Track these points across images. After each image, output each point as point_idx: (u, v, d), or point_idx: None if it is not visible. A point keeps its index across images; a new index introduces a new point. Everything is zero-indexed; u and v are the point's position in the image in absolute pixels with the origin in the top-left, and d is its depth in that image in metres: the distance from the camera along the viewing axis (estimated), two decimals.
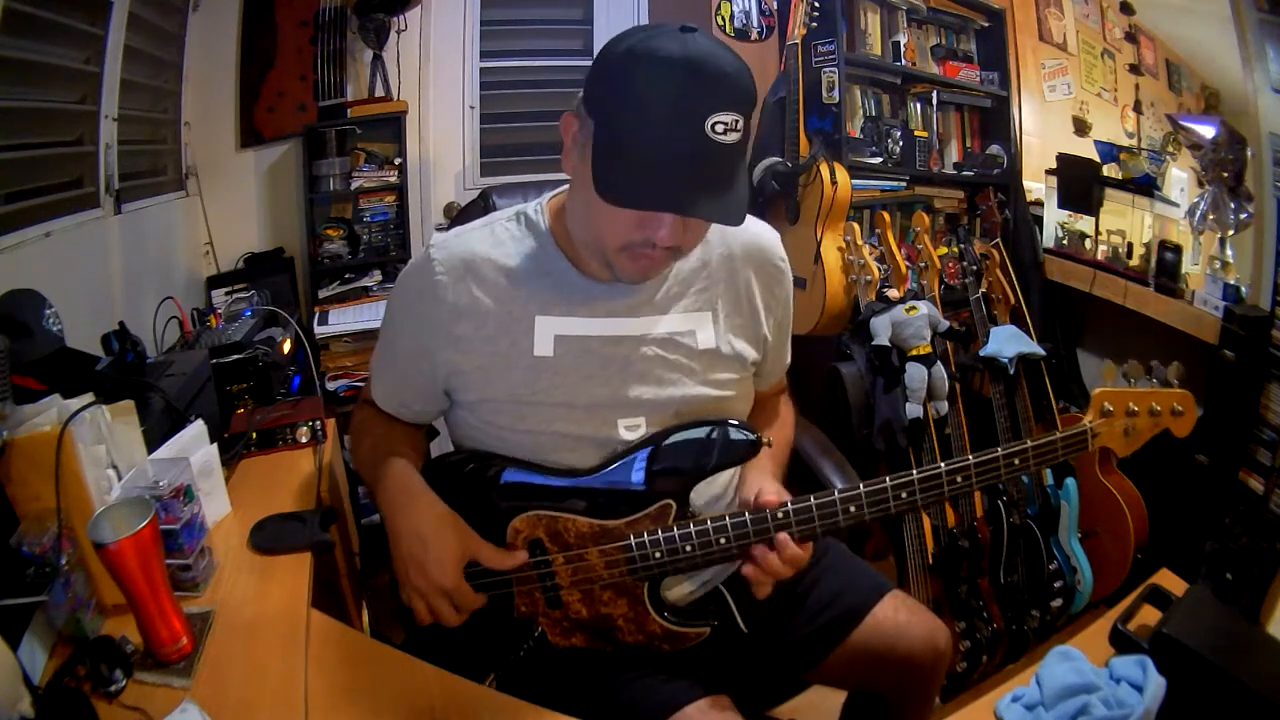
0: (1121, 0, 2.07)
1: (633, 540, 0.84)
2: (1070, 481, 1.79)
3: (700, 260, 0.91)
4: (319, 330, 2.25)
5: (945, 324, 1.80)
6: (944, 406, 1.80)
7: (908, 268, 1.96)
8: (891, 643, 0.97)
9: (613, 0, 2.69)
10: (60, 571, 0.81)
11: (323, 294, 2.39)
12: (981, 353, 1.87)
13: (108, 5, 1.66)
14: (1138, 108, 2.10)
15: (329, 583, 1.20)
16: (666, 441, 0.85)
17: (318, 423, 1.32)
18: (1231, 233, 1.68)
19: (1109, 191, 2.09)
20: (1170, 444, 1.79)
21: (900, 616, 0.99)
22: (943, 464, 0.83)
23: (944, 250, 2.17)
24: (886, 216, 2.00)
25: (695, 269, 0.91)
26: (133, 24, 1.77)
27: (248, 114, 2.38)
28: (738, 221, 0.76)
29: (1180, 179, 1.93)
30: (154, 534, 0.80)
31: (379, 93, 2.44)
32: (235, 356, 1.48)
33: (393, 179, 2.44)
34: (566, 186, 0.89)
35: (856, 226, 1.99)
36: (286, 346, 1.77)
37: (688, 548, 0.83)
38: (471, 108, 2.64)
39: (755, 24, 2.69)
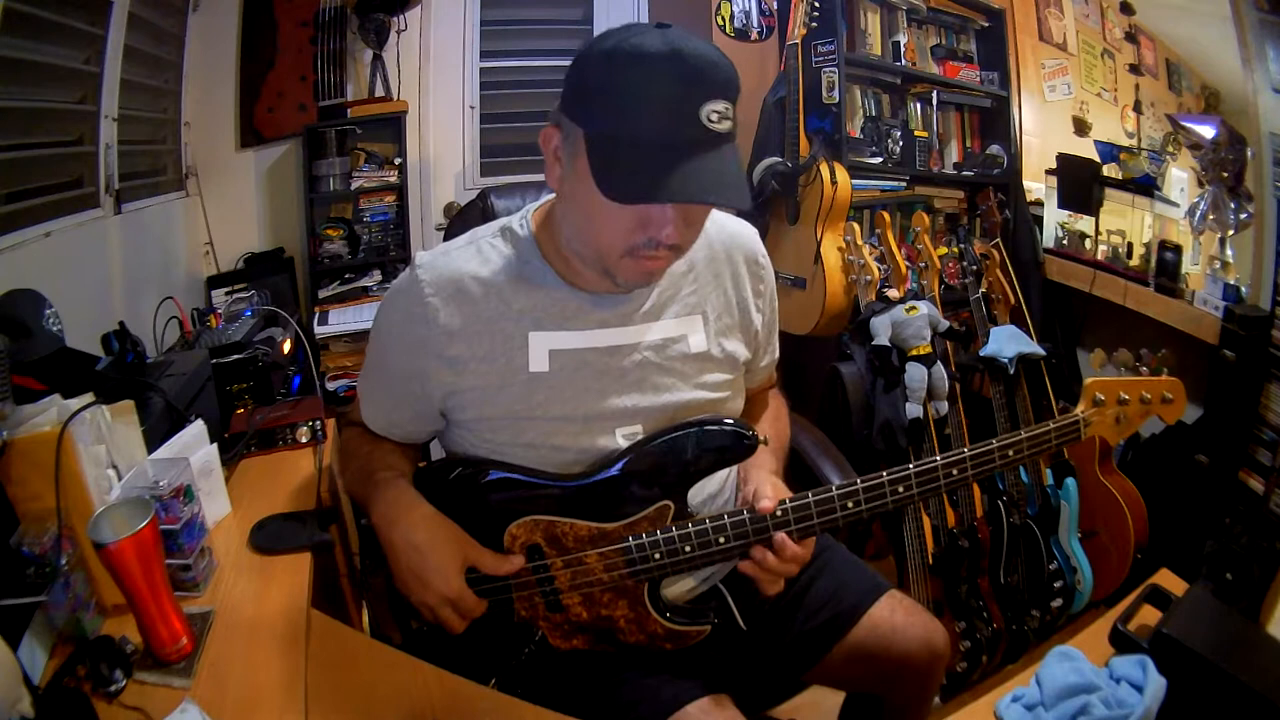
0: (1121, 0, 2.07)
1: (631, 542, 0.84)
2: (1070, 481, 1.79)
3: (686, 264, 0.91)
4: (319, 330, 2.26)
5: (945, 324, 1.80)
6: (944, 406, 1.80)
7: (908, 268, 1.96)
8: (888, 643, 0.97)
9: (613, 0, 2.69)
10: (60, 571, 0.81)
11: (323, 294, 2.39)
12: (981, 353, 1.87)
13: (108, 5, 1.66)
14: (1138, 108, 2.10)
15: (329, 583, 1.20)
16: (642, 458, 0.85)
17: (318, 423, 1.32)
18: (1231, 233, 1.68)
19: (1109, 191, 2.09)
20: (1170, 444, 1.79)
21: (897, 617, 0.99)
22: (938, 457, 0.84)
23: (944, 250, 2.17)
24: (886, 216, 2.00)
25: (683, 272, 0.91)
26: (133, 24, 1.77)
27: (248, 114, 2.38)
28: (747, 203, 0.75)
29: (1180, 179, 1.93)
30: (154, 534, 0.80)
31: (379, 93, 2.44)
32: (235, 356, 1.48)
33: (393, 179, 2.44)
34: (549, 198, 0.89)
35: (856, 226, 1.99)
36: (286, 346, 1.77)
37: (687, 548, 0.83)
38: (471, 108, 2.64)
39: (755, 24, 2.69)
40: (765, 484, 0.86)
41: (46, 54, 1.50)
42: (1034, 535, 1.77)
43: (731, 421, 0.86)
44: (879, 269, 1.92)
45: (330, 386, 2.26)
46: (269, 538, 1.02)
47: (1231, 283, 1.66)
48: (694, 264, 0.92)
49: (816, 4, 2.12)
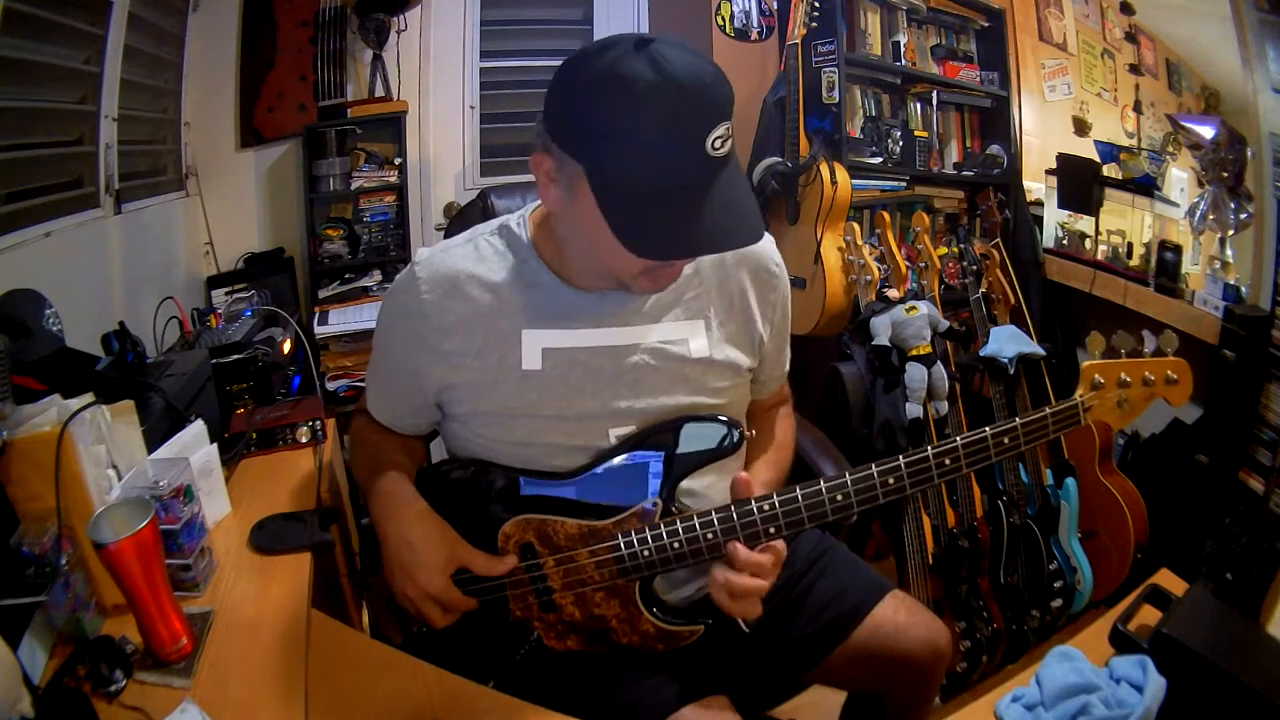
0: (1121, 0, 2.07)
1: (621, 540, 0.84)
2: (1070, 481, 1.79)
3: (692, 267, 0.90)
4: (319, 330, 2.25)
5: (945, 324, 1.80)
6: (944, 406, 1.80)
7: (908, 268, 1.96)
8: (891, 643, 0.97)
9: (613, 0, 2.69)
10: (60, 571, 0.81)
11: (323, 294, 2.39)
12: (981, 353, 1.87)
13: (108, 5, 1.66)
14: (1138, 108, 2.10)
15: (329, 583, 1.20)
16: (609, 463, 0.85)
17: (318, 423, 1.32)
18: (1231, 233, 1.68)
19: (1109, 191, 2.09)
20: (1170, 444, 1.79)
21: (900, 617, 0.99)
22: (929, 447, 0.81)
23: (944, 250, 2.17)
24: (886, 216, 2.00)
25: (688, 276, 0.90)
26: (133, 24, 1.77)
27: (248, 114, 2.38)
28: (761, 236, 0.76)
29: (1180, 179, 1.93)
30: (154, 534, 0.80)
31: (379, 93, 2.44)
32: (235, 356, 1.48)
33: (393, 179, 2.44)
34: None
35: (856, 226, 1.99)
36: (286, 346, 1.77)
37: (675, 545, 0.83)
38: (471, 108, 2.64)
39: (755, 24, 2.69)
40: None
41: (46, 54, 1.50)
42: (1034, 535, 1.77)
43: (722, 418, 0.86)
44: (879, 269, 1.92)
45: (330, 386, 2.26)
46: (269, 538, 1.02)
47: (1231, 283, 1.66)
48: (700, 269, 0.91)
49: (816, 4, 2.12)
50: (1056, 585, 1.78)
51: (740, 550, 0.79)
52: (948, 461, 0.81)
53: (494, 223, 0.92)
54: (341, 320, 2.31)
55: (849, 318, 2.02)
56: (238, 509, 1.11)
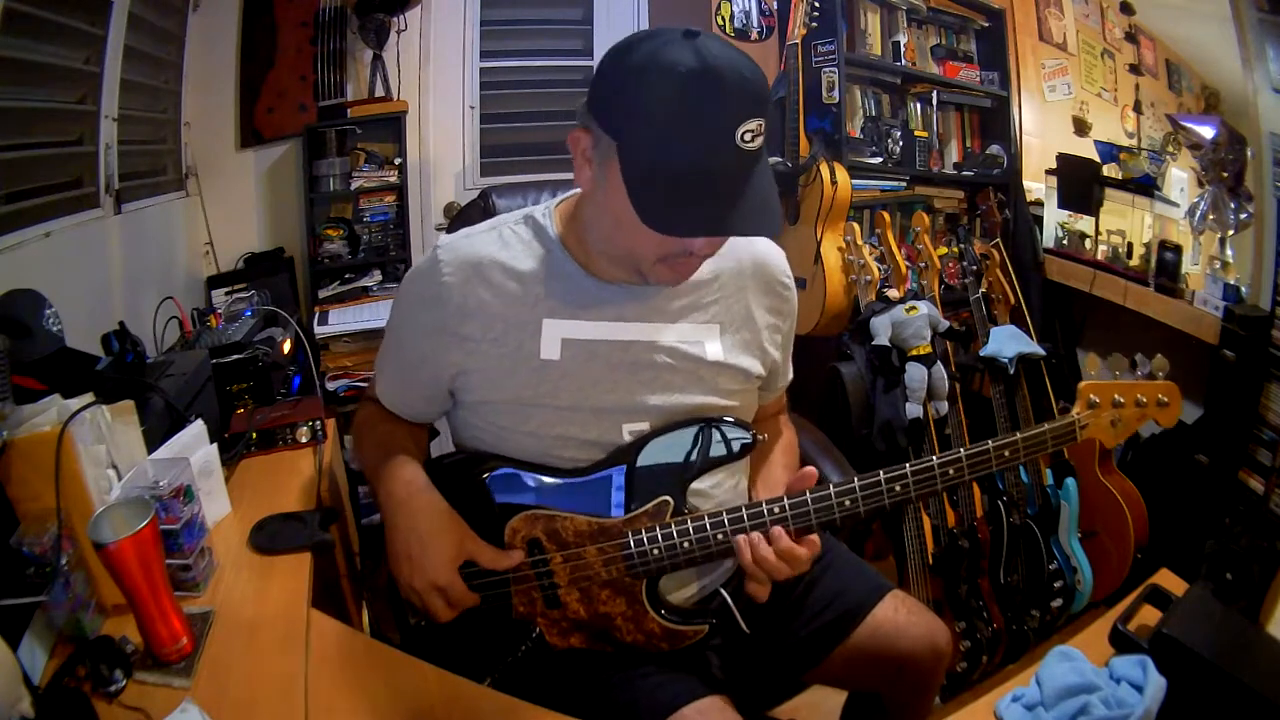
0: (1121, 0, 2.07)
1: (630, 538, 0.84)
2: (1070, 481, 1.79)
3: (712, 272, 0.91)
4: (319, 330, 2.25)
5: (945, 324, 1.80)
6: (944, 406, 1.80)
7: (908, 268, 1.96)
8: (891, 643, 0.97)
9: (613, 0, 2.69)
10: (60, 571, 0.81)
11: (323, 294, 2.39)
12: (981, 353, 1.87)
13: (108, 5, 1.66)
14: (1138, 108, 2.10)
15: (329, 583, 1.20)
16: (643, 454, 0.85)
17: (318, 423, 1.32)
18: (1231, 233, 1.68)
19: (1109, 191, 2.09)
20: (1170, 444, 1.79)
21: (900, 617, 0.99)
22: (935, 457, 0.84)
23: (944, 250, 2.17)
24: (886, 216, 2.00)
25: (707, 280, 0.91)
26: (133, 24, 1.77)
27: (248, 114, 2.38)
28: (778, 230, 0.77)
29: (1180, 179, 1.93)
30: (154, 534, 0.80)
31: (379, 93, 2.44)
32: (235, 356, 1.48)
33: (393, 179, 2.44)
34: (574, 192, 0.89)
35: (856, 226, 1.99)
36: (286, 346, 1.77)
37: (685, 544, 0.83)
38: (471, 108, 2.64)
39: (755, 24, 2.69)
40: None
41: (46, 54, 1.49)
42: (1034, 535, 1.77)
43: (732, 420, 0.87)
44: (879, 269, 1.92)
45: (330, 386, 2.26)
46: (269, 538, 1.02)
47: (1231, 283, 1.66)
48: (720, 274, 0.92)
49: (816, 4, 2.12)
50: (1056, 585, 1.78)
51: (784, 539, 0.81)
52: (951, 471, 0.84)
53: (519, 212, 0.92)
54: (341, 320, 2.31)
55: (849, 318, 2.02)
56: (238, 509, 1.11)
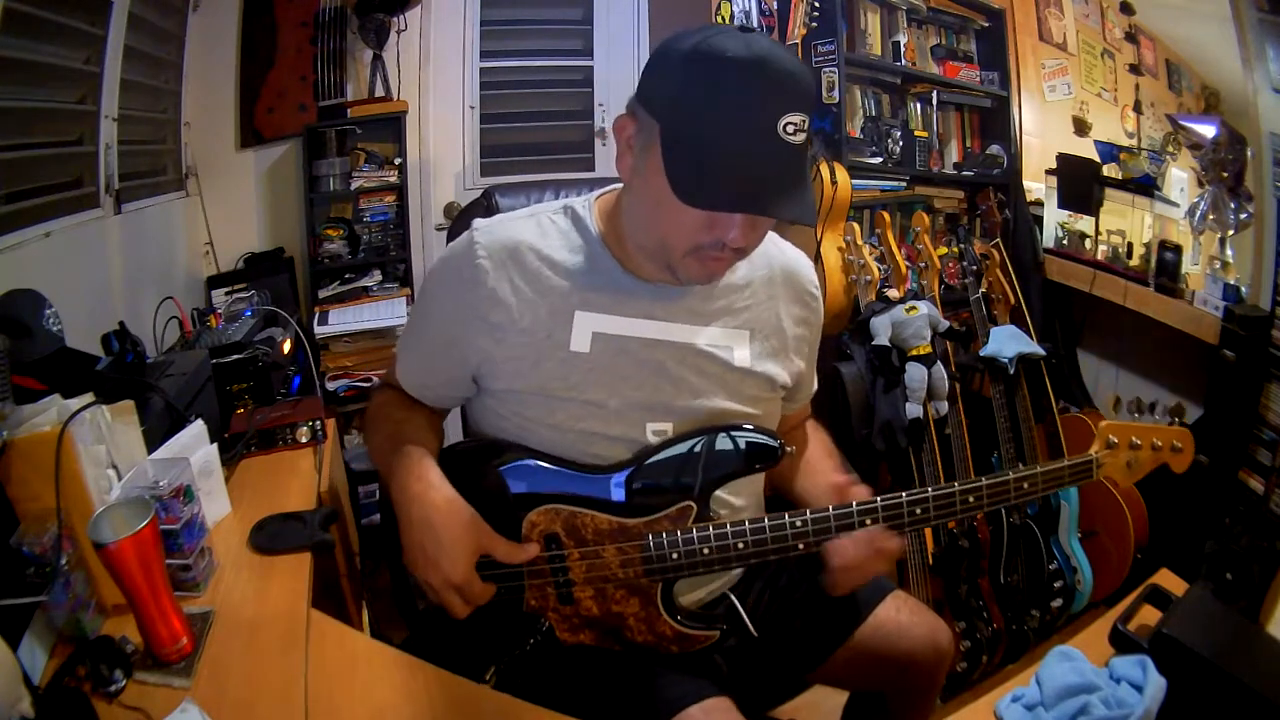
0: (1121, 0, 2.07)
1: (650, 540, 0.84)
2: None
3: (745, 278, 0.91)
4: (319, 330, 2.25)
5: (945, 324, 1.80)
6: (944, 406, 1.80)
7: (908, 268, 1.96)
8: (893, 643, 0.97)
9: (613, 0, 2.69)
10: (60, 571, 0.81)
11: (323, 294, 2.39)
12: (981, 353, 1.88)
13: (108, 5, 1.66)
14: (1138, 108, 2.10)
15: (329, 583, 1.20)
16: (666, 457, 0.85)
17: (318, 423, 1.32)
18: (1231, 233, 1.68)
19: (1109, 191, 2.09)
20: None
21: (902, 617, 0.99)
22: (956, 484, 0.85)
23: (944, 250, 2.17)
24: (886, 216, 2.00)
25: (739, 286, 0.91)
26: (133, 24, 1.77)
27: (248, 114, 2.38)
28: (812, 221, 0.77)
29: (1180, 179, 1.93)
30: (154, 534, 0.80)
31: (379, 93, 2.44)
32: (235, 356, 1.48)
33: (393, 179, 2.44)
34: (614, 187, 0.90)
35: (856, 226, 1.99)
36: (286, 346, 1.77)
37: (705, 550, 0.83)
38: (471, 108, 2.64)
39: (755, 24, 2.69)
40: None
41: (46, 54, 1.49)
42: (1034, 535, 1.77)
43: (761, 429, 0.87)
44: (879, 269, 1.92)
45: (330, 386, 2.26)
46: (269, 538, 1.02)
47: (1231, 283, 1.66)
48: (752, 281, 0.92)
49: (816, 4, 2.12)
50: (1056, 585, 1.78)
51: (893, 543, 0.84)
52: (971, 499, 0.85)
53: (558, 203, 0.92)
54: (341, 320, 2.31)
55: (849, 318, 2.02)
56: (238, 509, 1.11)
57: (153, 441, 1.04)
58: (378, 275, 2.42)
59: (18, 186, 1.42)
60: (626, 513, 0.85)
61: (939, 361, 1.78)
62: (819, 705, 1.18)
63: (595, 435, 0.86)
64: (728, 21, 2.66)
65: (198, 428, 1.11)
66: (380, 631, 1.35)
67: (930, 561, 1.71)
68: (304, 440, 1.30)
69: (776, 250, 0.95)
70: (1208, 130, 1.76)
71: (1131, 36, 2.08)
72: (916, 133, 2.39)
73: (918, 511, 0.83)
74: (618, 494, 0.85)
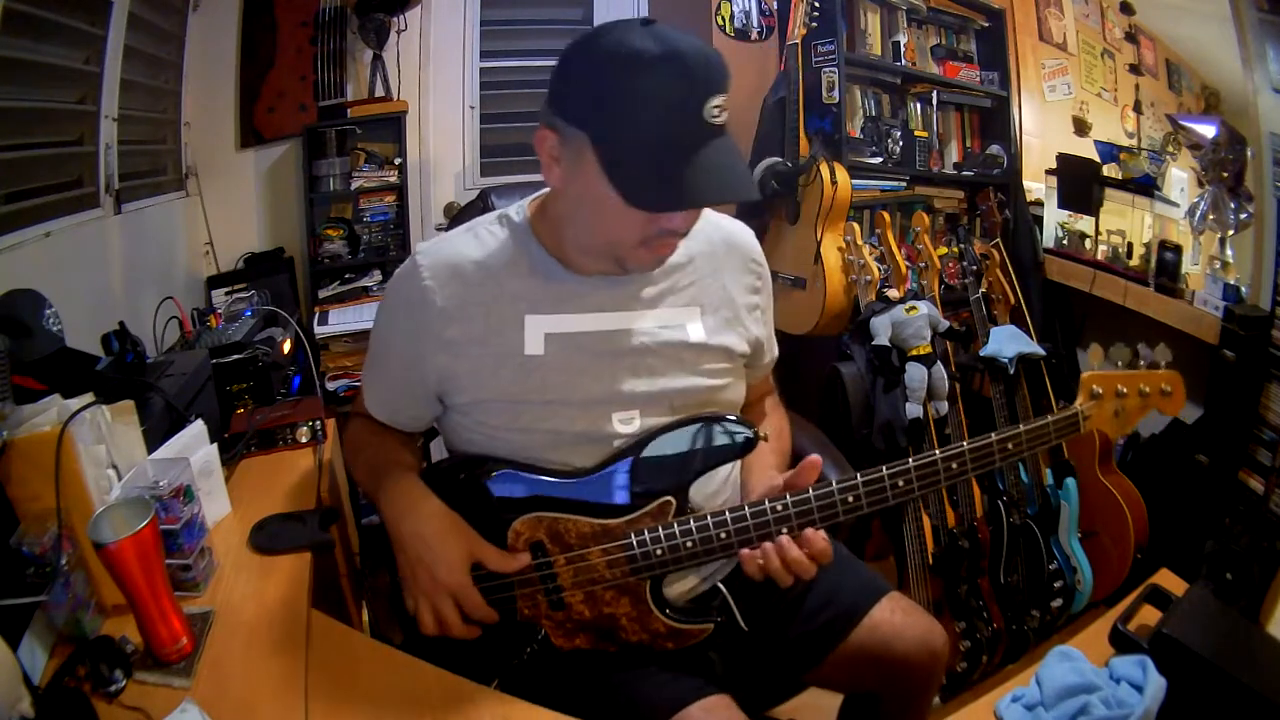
0: (1121, 0, 2.07)
1: (633, 539, 0.84)
2: (1070, 481, 1.79)
3: (685, 256, 0.92)
4: (319, 330, 2.25)
5: (945, 324, 1.80)
6: (944, 406, 1.80)
7: (908, 268, 1.96)
8: (888, 645, 0.97)
9: (612, 0, 2.69)
10: (60, 571, 0.81)
11: (323, 294, 2.39)
12: (981, 353, 1.87)
13: (108, 5, 1.66)
14: (1138, 108, 2.10)
15: (329, 583, 1.20)
16: (645, 454, 0.85)
17: (318, 423, 1.32)
18: (1231, 233, 1.68)
19: (1109, 191, 2.09)
20: (1170, 444, 1.79)
21: (897, 619, 0.99)
22: (937, 451, 0.84)
23: (944, 250, 2.17)
24: (886, 216, 2.00)
25: (682, 264, 0.92)
26: (133, 24, 1.77)
27: (248, 114, 2.38)
28: (757, 194, 0.79)
29: (1180, 179, 1.93)
30: (154, 534, 0.80)
31: (379, 93, 2.44)
32: (235, 356, 1.48)
33: (393, 179, 2.44)
34: (546, 191, 0.90)
35: (856, 226, 1.99)
36: (286, 346, 1.77)
37: (688, 543, 0.83)
38: (471, 108, 2.64)
39: (755, 24, 2.69)
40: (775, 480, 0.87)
41: (46, 54, 1.49)
42: (1034, 535, 1.77)
43: (733, 417, 0.87)
44: (879, 269, 1.92)
45: (330, 386, 2.26)
46: (269, 538, 1.02)
47: (1231, 283, 1.66)
48: (693, 257, 0.93)
49: (816, 4, 2.12)
50: (1056, 585, 1.78)
51: (793, 549, 0.81)
52: (955, 465, 0.84)
53: (494, 213, 0.93)
54: (341, 320, 2.31)
55: (849, 318, 2.02)
56: (238, 509, 1.11)
57: (153, 441, 1.04)
58: (378, 275, 2.42)
59: (18, 186, 1.42)
60: (607, 513, 0.85)
61: (939, 361, 1.78)
62: (815, 706, 1.18)
63: (562, 434, 0.87)
64: (728, 22, 2.66)
65: (198, 428, 1.11)
66: (380, 631, 1.35)
67: (930, 561, 1.71)
68: (304, 440, 1.30)
69: (711, 226, 0.96)
70: (1208, 130, 1.76)
71: (1131, 36, 2.08)
72: (916, 133, 2.39)
73: (900, 484, 0.83)
74: (597, 496, 0.86)
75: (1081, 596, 1.79)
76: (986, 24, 2.49)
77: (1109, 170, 2.10)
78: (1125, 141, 2.12)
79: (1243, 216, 1.66)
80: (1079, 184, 2.16)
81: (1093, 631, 0.93)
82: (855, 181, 2.14)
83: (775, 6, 2.69)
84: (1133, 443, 1.92)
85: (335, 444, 1.38)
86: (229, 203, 2.40)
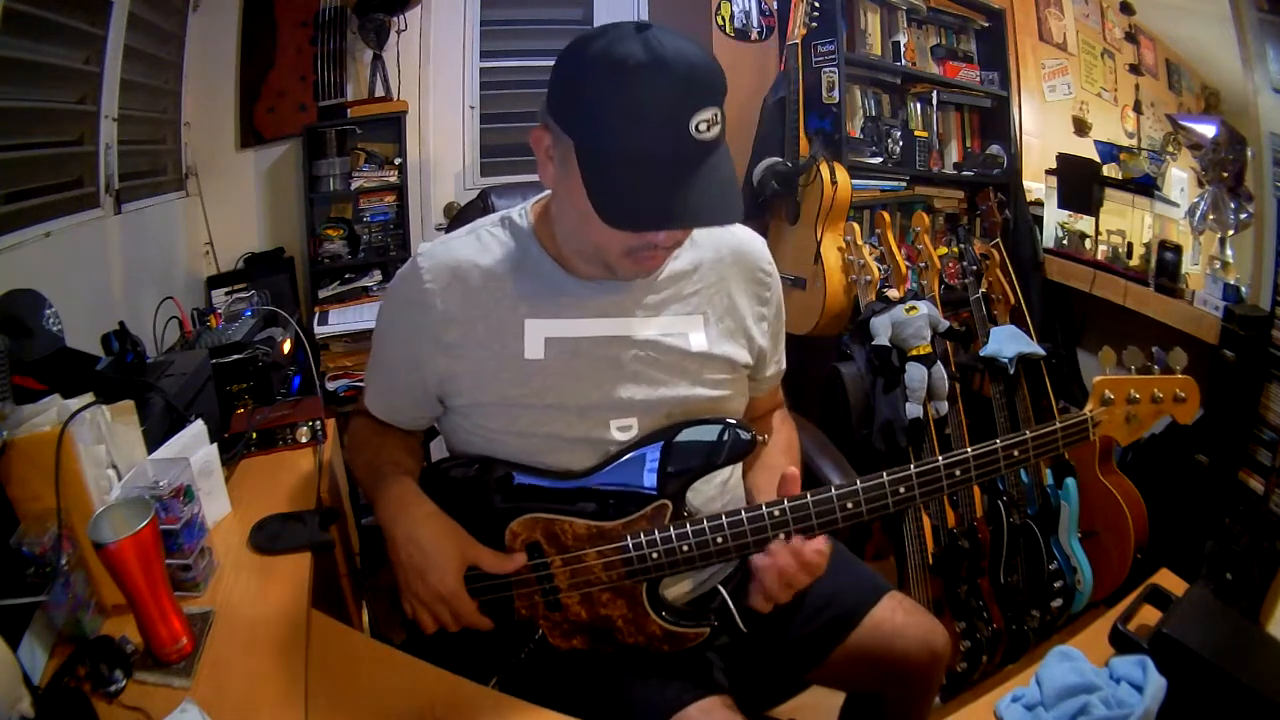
0: (1121, 0, 2.07)
1: (630, 541, 0.84)
2: (1070, 481, 1.79)
3: (691, 263, 0.91)
4: (319, 330, 2.25)
5: (945, 324, 1.80)
6: (944, 406, 1.80)
7: (908, 268, 1.96)
8: (889, 644, 0.97)
9: (612, 0, 2.69)
10: (60, 571, 0.81)
11: (323, 294, 2.39)
12: (981, 353, 1.87)
13: (108, 5, 1.66)
14: (1138, 108, 2.10)
15: (329, 583, 1.20)
16: (678, 439, 0.85)
17: (318, 423, 1.32)
18: (1231, 233, 1.69)
19: (1109, 191, 2.09)
20: (1170, 444, 1.79)
21: (898, 618, 0.98)
22: (940, 458, 0.82)
23: (944, 250, 2.17)
24: (886, 216, 2.00)
25: (686, 271, 0.91)
26: (133, 24, 1.77)
27: (248, 114, 2.38)
28: (739, 217, 0.76)
29: (1180, 179, 1.93)
30: (154, 534, 0.80)
31: (379, 93, 2.44)
32: (235, 356, 1.47)
33: (393, 179, 2.44)
34: (549, 193, 0.90)
35: (856, 226, 1.99)
36: (286, 346, 1.77)
37: (684, 547, 0.83)
38: (471, 108, 2.64)
39: (755, 24, 2.69)
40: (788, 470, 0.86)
41: (46, 54, 1.49)
42: (1034, 535, 1.77)
43: (731, 420, 0.86)
44: (879, 269, 1.92)
45: (330, 386, 2.26)
46: (269, 538, 1.02)
47: (1231, 283, 1.66)
48: (699, 264, 0.92)
49: (816, 4, 2.12)
50: (1056, 585, 1.78)
51: (807, 549, 0.80)
52: (958, 472, 0.82)
53: (496, 215, 0.93)
54: (341, 320, 2.31)
55: (849, 318, 2.02)
56: (238, 509, 1.11)
57: (153, 441, 1.04)
58: (378, 275, 2.43)
59: (18, 186, 1.42)
60: (604, 515, 0.85)
61: (939, 361, 1.78)
62: (817, 706, 1.18)
63: (561, 438, 0.87)
64: (728, 22, 2.66)
65: (198, 428, 1.11)
66: (380, 631, 1.35)
67: (930, 561, 1.71)
68: (304, 440, 1.30)
69: (722, 231, 0.94)
70: (1208, 130, 1.76)
71: (1131, 36, 2.08)
72: (916, 133, 2.40)
73: (901, 490, 0.81)
74: (594, 498, 0.86)
75: (1081, 596, 1.79)
76: (986, 24, 2.49)
77: (1109, 170, 2.10)
78: (1125, 141, 2.12)
79: (1243, 216, 1.66)
80: (1079, 184, 2.16)
81: (1093, 631, 0.92)
82: (855, 181, 2.14)
83: (775, 6, 2.69)
84: (1133, 443, 1.92)
85: (335, 444, 1.38)
86: (229, 203, 2.40)
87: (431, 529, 0.84)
